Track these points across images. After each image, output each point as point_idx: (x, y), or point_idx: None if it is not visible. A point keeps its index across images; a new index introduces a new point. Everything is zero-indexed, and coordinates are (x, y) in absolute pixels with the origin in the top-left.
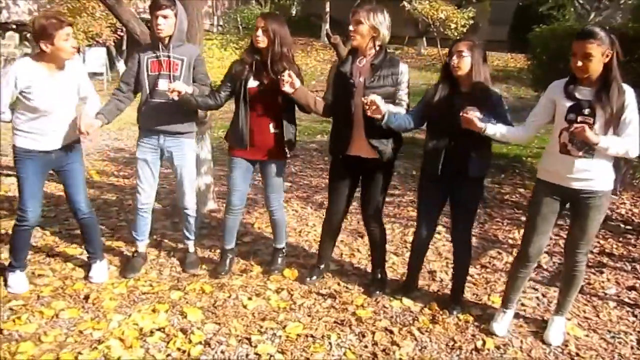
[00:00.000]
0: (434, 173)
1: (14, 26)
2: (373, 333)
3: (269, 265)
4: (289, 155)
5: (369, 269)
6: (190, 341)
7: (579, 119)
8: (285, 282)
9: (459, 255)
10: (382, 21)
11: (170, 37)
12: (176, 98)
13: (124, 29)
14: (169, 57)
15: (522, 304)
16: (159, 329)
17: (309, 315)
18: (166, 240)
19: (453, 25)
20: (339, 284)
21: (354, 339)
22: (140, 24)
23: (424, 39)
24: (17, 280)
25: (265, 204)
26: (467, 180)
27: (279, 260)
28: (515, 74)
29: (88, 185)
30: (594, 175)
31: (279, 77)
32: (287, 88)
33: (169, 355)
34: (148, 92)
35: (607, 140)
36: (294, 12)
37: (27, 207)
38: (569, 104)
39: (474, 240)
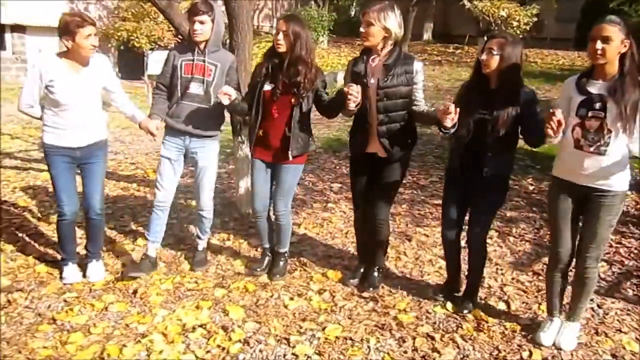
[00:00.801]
0: (453, 171)
1: None
2: (414, 338)
3: (271, 270)
4: (299, 157)
5: (415, 273)
6: (230, 339)
7: (590, 113)
8: (328, 284)
9: (472, 256)
10: (394, 20)
11: (207, 41)
12: (226, 102)
13: None
14: (203, 61)
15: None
16: (201, 326)
17: (349, 318)
18: (213, 238)
19: (515, 24)
20: (382, 287)
21: (393, 343)
22: None
23: (485, 37)
24: (70, 272)
25: (273, 208)
26: (485, 180)
27: (281, 264)
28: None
29: (143, 184)
30: (606, 173)
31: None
32: (351, 105)
33: (208, 351)
34: (180, 94)
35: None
36: (352, 13)
37: (62, 201)
38: (580, 98)
39: (527, 245)
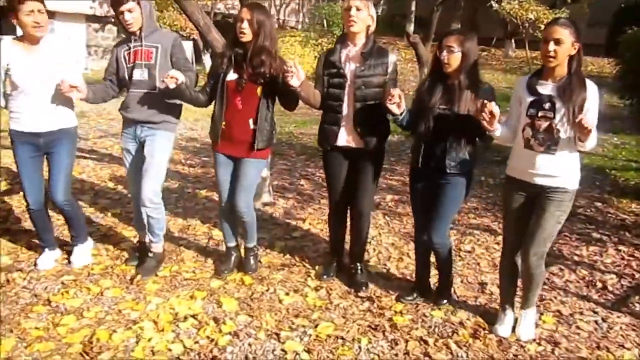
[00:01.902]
0: (416, 170)
1: (113, 19)
2: (406, 341)
3: (243, 267)
4: (263, 151)
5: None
6: (220, 331)
7: (540, 114)
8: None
9: (436, 253)
10: (374, 10)
11: (141, 27)
12: (172, 86)
13: None
14: (141, 46)
15: (578, 327)
16: (192, 316)
17: (343, 317)
18: (216, 231)
19: (543, 27)
20: (380, 288)
21: (385, 345)
22: (204, 16)
23: (512, 40)
24: (43, 259)
25: (235, 205)
26: (447, 176)
27: (251, 260)
28: (610, 80)
29: None
30: (557, 171)
31: (283, 68)
32: (294, 81)
33: (197, 342)
34: (127, 84)
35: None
36: (379, 11)
37: (25, 191)
38: (530, 99)
39: None
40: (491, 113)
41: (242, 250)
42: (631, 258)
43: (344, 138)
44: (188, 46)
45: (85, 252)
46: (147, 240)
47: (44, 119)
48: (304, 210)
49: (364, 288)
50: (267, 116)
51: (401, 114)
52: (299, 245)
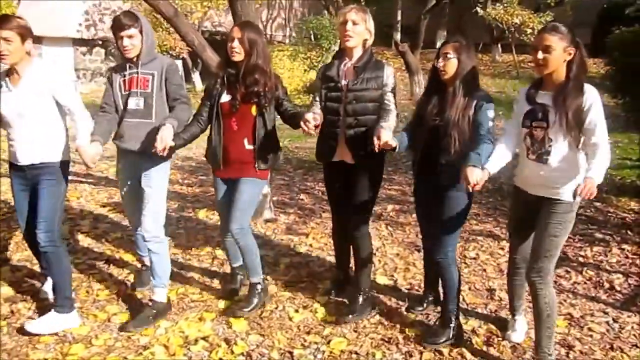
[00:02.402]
0: (416, 184)
1: (100, 42)
2: (421, 353)
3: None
4: (263, 172)
5: (422, 285)
6: (232, 352)
7: (534, 124)
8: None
9: (440, 274)
10: (372, 23)
11: (139, 54)
12: (165, 153)
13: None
14: (137, 73)
15: (590, 329)
16: (203, 338)
17: (355, 331)
18: (219, 251)
19: (529, 31)
20: (390, 299)
21: (400, 358)
22: (198, 35)
23: (499, 45)
24: (47, 286)
25: (229, 226)
26: (443, 191)
27: (253, 299)
28: (597, 80)
29: None
30: (550, 182)
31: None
32: (311, 131)
33: None
34: (122, 112)
35: (595, 173)
36: None
37: (19, 221)
38: (527, 109)
39: None
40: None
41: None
42: (635, 257)
43: (340, 153)
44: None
45: (53, 323)
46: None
47: (29, 151)
48: (306, 225)
49: (350, 316)
50: (266, 135)
51: (397, 146)
52: (305, 261)
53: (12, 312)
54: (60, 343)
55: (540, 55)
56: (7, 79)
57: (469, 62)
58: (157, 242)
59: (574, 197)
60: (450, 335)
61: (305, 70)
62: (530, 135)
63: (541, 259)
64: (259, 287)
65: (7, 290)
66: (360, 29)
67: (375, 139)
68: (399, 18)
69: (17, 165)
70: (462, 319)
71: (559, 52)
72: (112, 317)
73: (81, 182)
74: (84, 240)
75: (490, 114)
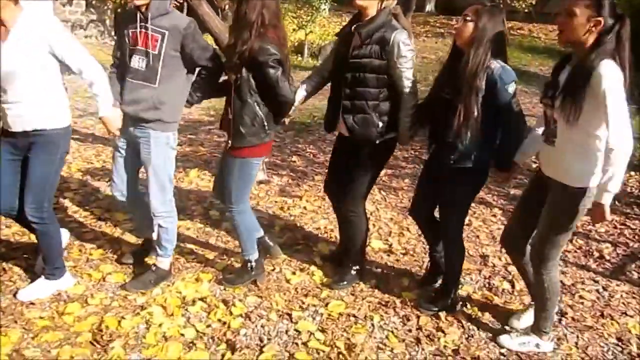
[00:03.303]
0: (426, 160)
1: None
2: (418, 317)
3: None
4: (238, 150)
5: (418, 249)
6: (231, 313)
7: (544, 101)
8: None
9: (445, 254)
10: None
11: (148, 4)
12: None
13: None
14: (147, 29)
15: (581, 297)
16: (201, 299)
17: (352, 294)
18: (213, 210)
19: None
20: (386, 264)
21: (397, 321)
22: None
23: None
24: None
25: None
26: (451, 171)
27: (245, 276)
28: None
29: None
30: (556, 165)
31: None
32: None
33: (209, 325)
34: (125, 69)
35: (608, 187)
36: None
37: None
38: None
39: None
40: None
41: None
42: (623, 227)
43: (340, 126)
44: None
45: (44, 288)
46: (154, 238)
47: (19, 117)
48: (299, 187)
49: (340, 284)
50: (242, 110)
51: (411, 136)
52: (299, 223)
53: (4, 269)
54: (55, 302)
55: (560, 18)
56: None
57: (490, 29)
58: (166, 217)
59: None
60: (448, 303)
61: (293, 30)
62: (545, 113)
63: (542, 243)
64: (249, 263)
65: None
66: None
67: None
68: None
69: (8, 131)
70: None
71: (582, 20)
72: (106, 277)
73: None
74: (73, 199)
75: (510, 89)
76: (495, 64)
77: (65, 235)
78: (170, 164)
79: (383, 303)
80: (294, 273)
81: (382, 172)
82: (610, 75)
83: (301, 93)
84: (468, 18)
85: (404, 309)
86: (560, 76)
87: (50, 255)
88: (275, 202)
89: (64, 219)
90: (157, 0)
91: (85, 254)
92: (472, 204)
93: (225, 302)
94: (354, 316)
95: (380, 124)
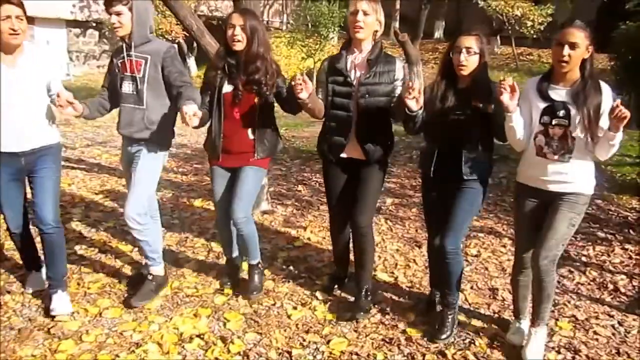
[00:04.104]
0: (428, 177)
1: (94, 24)
2: (423, 355)
3: (248, 286)
4: (264, 160)
5: (425, 283)
6: (228, 351)
7: (554, 121)
8: (335, 292)
9: (446, 267)
10: (382, 14)
11: (130, 34)
12: (196, 123)
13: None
14: (130, 56)
15: (595, 332)
16: (198, 336)
17: (355, 331)
18: (215, 243)
19: (529, 23)
20: (390, 298)
21: None
22: (197, 20)
23: (498, 37)
24: (31, 280)
25: (232, 216)
26: (462, 184)
27: (256, 278)
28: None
29: None
30: (571, 178)
31: (292, 82)
32: (303, 94)
33: None
34: (118, 96)
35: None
36: None
37: (6, 215)
38: (543, 105)
39: None
40: (511, 87)
41: (246, 267)
42: (639, 257)
43: (349, 150)
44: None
45: (65, 299)
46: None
47: (25, 137)
48: (304, 217)
49: (361, 314)
50: (268, 125)
51: (419, 109)
52: (302, 255)
53: None
54: (49, 339)
55: (566, 51)
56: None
57: (486, 55)
58: (141, 232)
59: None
60: (453, 328)
61: (302, 58)
62: (545, 134)
63: (556, 246)
64: (259, 266)
65: None
66: (371, 19)
67: (408, 88)
68: (398, 7)
69: (7, 154)
70: (464, 319)
71: (583, 49)
72: (103, 312)
73: (73, 168)
74: (76, 229)
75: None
76: (492, 83)
77: None
78: (153, 181)
79: (387, 340)
80: (295, 308)
81: (389, 201)
82: (610, 92)
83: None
84: (473, 50)
85: (409, 346)
86: (554, 95)
87: (60, 265)
88: (279, 233)
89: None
90: (137, 28)
91: (83, 288)
92: (481, 235)
93: (223, 339)
94: (357, 354)
95: (389, 142)
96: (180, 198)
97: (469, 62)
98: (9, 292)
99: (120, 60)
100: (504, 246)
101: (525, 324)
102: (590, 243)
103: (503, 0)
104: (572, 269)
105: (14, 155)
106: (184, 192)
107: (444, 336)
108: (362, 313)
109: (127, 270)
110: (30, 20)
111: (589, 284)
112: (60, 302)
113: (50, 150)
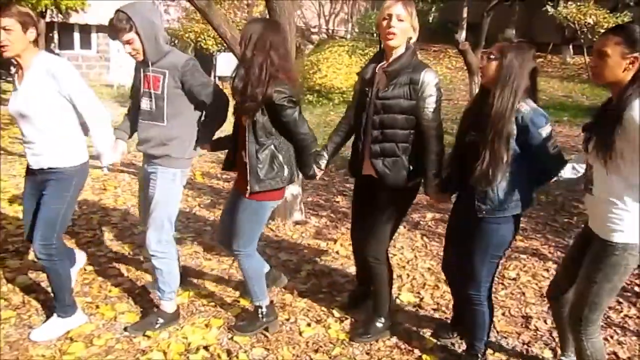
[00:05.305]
0: (454, 204)
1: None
2: None
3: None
4: (256, 194)
5: (450, 307)
6: None
7: (582, 145)
8: (354, 310)
9: (468, 313)
10: (417, 20)
11: (145, 54)
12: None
13: None
14: (149, 72)
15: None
16: (205, 347)
17: (367, 353)
18: None
19: (603, 32)
20: (413, 320)
21: None
22: (231, 28)
23: (570, 46)
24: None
25: (231, 247)
26: (477, 220)
27: (256, 324)
28: None
29: (188, 187)
30: (596, 217)
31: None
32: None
33: None
34: (138, 111)
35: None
36: (431, 19)
37: (25, 225)
38: None
39: None
40: None
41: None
42: None
43: (366, 167)
44: (232, 58)
45: (56, 328)
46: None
47: (36, 154)
48: (337, 229)
49: (363, 337)
50: (260, 153)
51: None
52: (328, 270)
53: (23, 302)
54: (61, 340)
55: (594, 61)
56: (15, 75)
57: (518, 66)
58: (159, 259)
59: None
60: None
61: (361, 67)
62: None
63: (581, 305)
64: (260, 310)
65: (24, 279)
66: (405, 25)
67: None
68: (465, 15)
69: (29, 168)
70: (489, 350)
71: (616, 59)
72: (119, 316)
73: (122, 171)
74: (111, 232)
75: (544, 132)
76: (525, 107)
77: (82, 258)
78: (173, 203)
79: None
80: (309, 325)
81: (429, 216)
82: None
83: (332, 146)
84: (492, 56)
85: None
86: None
87: (59, 293)
88: (308, 244)
89: (95, 252)
90: (149, 48)
91: (104, 291)
92: (523, 256)
93: (229, 352)
94: None
95: (411, 167)
96: (217, 205)
97: (485, 69)
98: (34, 292)
99: (141, 74)
100: (547, 270)
101: None
102: None
103: (575, 8)
104: (621, 300)
105: (32, 170)
106: (222, 200)
107: None
108: (369, 336)
109: (150, 276)
110: (105, 28)
111: (638, 317)
112: (43, 329)
113: (58, 174)
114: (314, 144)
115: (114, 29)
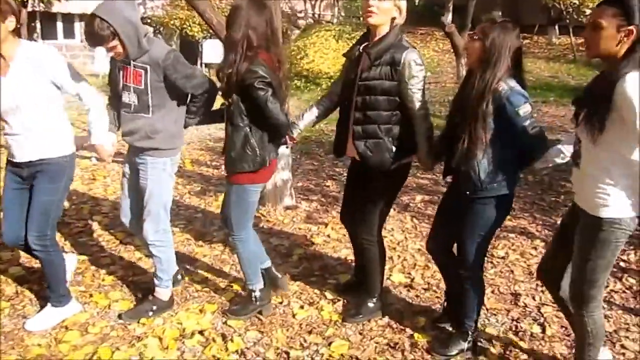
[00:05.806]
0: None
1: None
2: None
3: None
4: (235, 175)
5: (442, 285)
6: (226, 349)
7: (571, 119)
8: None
9: (462, 290)
10: (404, 1)
11: (126, 52)
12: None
13: None
14: (129, 65)
15: (623, 346)
16: (200, 332)
17: (360, 333)
18: None
19: (588, 12)
20: (404, 300)
21: None
22: (217, 14)
23: (556, 27)
24: None
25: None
26: (465, 199)
27: (249, 307)
28: None
29: (178, 174)
30: (581, 191)
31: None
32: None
33: None
34: (119, 101)
35: None
36: (417, 1)
37: (3, 226)
38: None
39: None
40: None
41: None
42: None
43: (350, 149)
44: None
45: (50, 317)
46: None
47: (23, 146)
48: (327, 213)
49: (359, 316)
50: (235, 134)
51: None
52: (319, 253)
53: (16, 293)
54: (57, 328)
55: (587, 32)
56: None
57: (500, 46)
58: (158, 247)
59: None
60: (465, 348)
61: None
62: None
63: (579, 283)
64: (254, 295)
65: (17, 270)
66: (387, 5)
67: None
68: None
69: (13, 162)
70: (479, 326)
71: (610, 31)
72: (112, 304)
73: (114, 161)
74: (101, 222)
75: (522, 111)
76: (503, 85)
77: (72, 260)
78: (167, 192)
79: (392, 345)
80: (302, 307)
81: (419, 198)
82: (636, 88)
83: (310, 117)
84: (475, 37)
85: (413, 352)
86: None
87: (54, 284)
88: (299, 229)
89: (87, 242)
90: (131, 47)
91: (97, 280)
92: (511, 235)
93: (223, 336)
94: (357, 358)
95: (394, 149)
96: (207, 192)
97: (469, 50)
98: (28, 282)
99: (122, 65)
100: (535, 248)
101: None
102: (632, 247)
103: None
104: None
105: (17, 164)
106: (212, 186)
107: (453, 352)
108: (361, 316)
109: (144, 263)
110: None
111: (624, 292)
112: (38, 319)
113: (48, 166)
114: (284, 129)
115: (94, 37)
